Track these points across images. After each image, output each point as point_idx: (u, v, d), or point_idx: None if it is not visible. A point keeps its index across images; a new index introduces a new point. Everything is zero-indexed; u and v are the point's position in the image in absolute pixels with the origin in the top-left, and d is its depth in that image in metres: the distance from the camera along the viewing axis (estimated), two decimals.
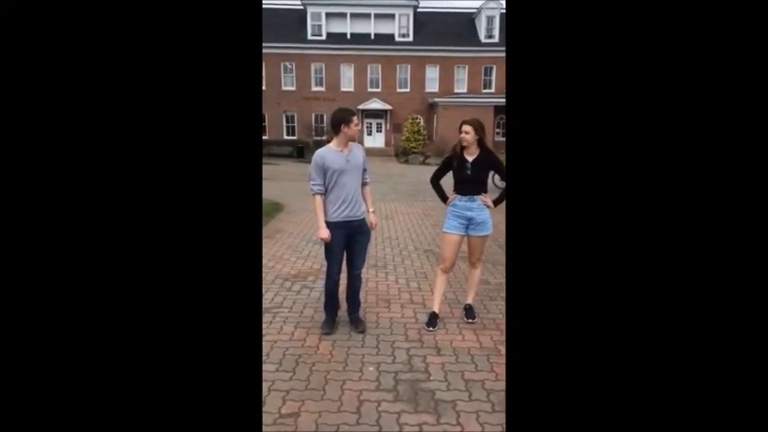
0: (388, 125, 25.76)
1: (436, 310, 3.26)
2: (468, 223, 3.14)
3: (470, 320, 3.28)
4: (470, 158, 3.06)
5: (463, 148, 3.06)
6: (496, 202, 3.13)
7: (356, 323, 3.18)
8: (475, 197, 3.10)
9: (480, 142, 3.06)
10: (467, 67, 25.47)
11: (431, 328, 3.16)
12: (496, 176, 13.31)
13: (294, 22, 25.07)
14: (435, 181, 3.33)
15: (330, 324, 3.15)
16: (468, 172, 3.05)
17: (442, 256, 3.28)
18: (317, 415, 2.19)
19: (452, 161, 3.12)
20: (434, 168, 3.38)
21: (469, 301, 3.39)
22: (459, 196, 3.12)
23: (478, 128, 3.03)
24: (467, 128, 3.02)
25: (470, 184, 3.07)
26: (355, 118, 2.95)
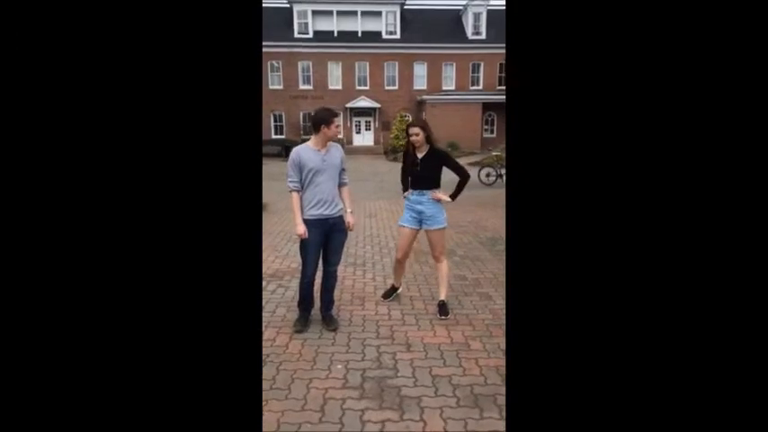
0: (376, 123, 25.72)
1: (395, 283, 3.68)
2: (420, 217, 3.31)
3: (443, 317, 3.29)
4: (420, 156, 3.26)
5: (414, 148, 3.26)
6: (453, 196, 3.31)
7: (328, 321, 3.17)
8: (425, 191, 3.27)
9: (428, 140, 3.24)
10: (454, 64, 25.49)
11: (383, 299, 3.61)
12: (482, 172, 13.26)
13: (280, 21, 24.91)
14: (404, 177, 3.46)
15: (303, 322, 3.14)
16: (418, 168, 3.25)
17: (396, 246, 3.60)
18: (280, 414, 2.18)
19: (407, 159, 3.34)
20: None
21: (442, 297, 3.40)
22: (412, 191, 3.32)
23: (425, 127, 3.24)
24: (416, 130, 3.21)
25: (420, 179, 3.26)
26: (337, 119, 2.96)
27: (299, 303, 3.19)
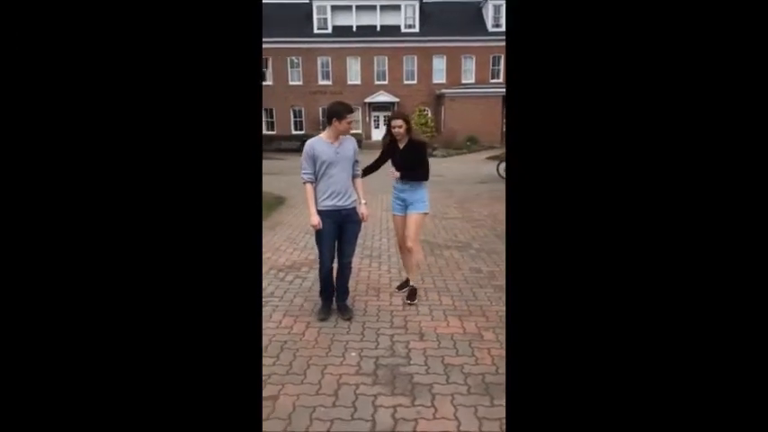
0: None
1: (409, 276, 3.70)
2: (405, 203, 3.49)
3: (410, 301, 3.46)
4: (401, 147, 3.44)
5: (396, 140, 3.42)
6: (402, 175, 3.38)
7: (343, 311, 3.23)
8: (407, 181, 3.44)
9: (408, 132, 3.41)
10: (474, 57, 25.22)
11: (398, 290, 3.73)
12: (501, 166, 13.09)
13: (300, 17, 25.07)
14: (371, 166, 3.62)
15: (326, 311, 3.21)
16: (400, 159, 3.42)
17: (396, 235, 3.79)
18: (296, 397, 2.26)
19: (389, 149, 3.50)
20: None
21: (411, 282, 3.60)
22: (397, 180, 3.48)
23: (407, 120, 3.42)
24: (399, 122, 3.34)
25: (402, 169, 3.42)
26: (350, 116, 3.01)
27: (321, 293, 3.26)
